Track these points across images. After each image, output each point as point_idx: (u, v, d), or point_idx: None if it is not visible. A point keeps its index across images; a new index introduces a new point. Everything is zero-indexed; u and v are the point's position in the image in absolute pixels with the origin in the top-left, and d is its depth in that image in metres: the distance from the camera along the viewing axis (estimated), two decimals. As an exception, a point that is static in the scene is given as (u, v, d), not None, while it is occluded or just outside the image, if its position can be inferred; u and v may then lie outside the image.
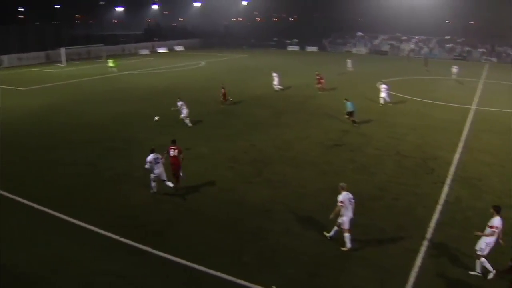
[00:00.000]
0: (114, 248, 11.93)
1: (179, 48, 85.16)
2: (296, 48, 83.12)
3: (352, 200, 11.85)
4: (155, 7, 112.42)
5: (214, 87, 36.14)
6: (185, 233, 12.77)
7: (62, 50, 60.34)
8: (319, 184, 16.25)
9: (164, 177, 14.98)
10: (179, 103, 24.33)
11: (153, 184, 15.05)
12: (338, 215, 11.71)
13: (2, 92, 35.73)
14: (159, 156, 14.89)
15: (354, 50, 77.42)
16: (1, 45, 57.59)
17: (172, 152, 15.19)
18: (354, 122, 23.91)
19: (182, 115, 24.15)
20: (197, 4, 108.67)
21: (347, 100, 24.43)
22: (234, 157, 19.10)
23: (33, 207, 14.29)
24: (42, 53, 62.72)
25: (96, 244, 12.17)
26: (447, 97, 32.64)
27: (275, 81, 34.73)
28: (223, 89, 29.67)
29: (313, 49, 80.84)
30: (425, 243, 12.22)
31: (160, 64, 55.61)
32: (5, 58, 57.50)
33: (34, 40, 62.58)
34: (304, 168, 17.77)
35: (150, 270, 11.00)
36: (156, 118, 23.91)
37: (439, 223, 13.34)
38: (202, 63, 51.36)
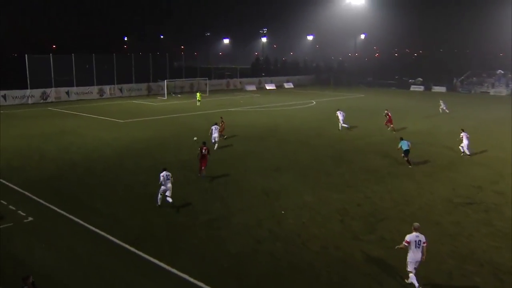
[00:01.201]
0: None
1: (288, 85, 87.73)
2: (420, 88, 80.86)
3: (421, 243, 12.74)
4: (264, 39, 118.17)
5: (325, 128, 36.64)
6: (283, 290, 12.85)
7: (164, 83, 65.84)
8: (443, 247, 15.41)
9: (168, 193, 18.76)
10: (213, 127, 29.68)
11: (159, 196, 18.85)
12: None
13: (101, 124, 39.90)
14: (170, 174, 18.98)
15: (492, 92, 73.06)
16: (104, 75, 64.76)
17: (204, 151, 22.83)
18: (408, 163, 25.44)
19: (213, 139, 29.16)
20: (310, 37, 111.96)
21: (402, 139, 26.20)
22: (343, 209, 18.92)
23: (123, 248, 15.41)
24: (143, 85, 69.10)
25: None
26: None
27: (340, 119, 37.19)
28: (222, 122, 32.35)
29: (441, 89, 77.87)
30: None
31: (266, 102, 57.77)
32: (106, 88, 64.42)
33: (136, 70, 69.09)
34: (425, 228, 17.00)
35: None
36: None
37: None
38: (313, 102, 52.35)
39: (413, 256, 12.82)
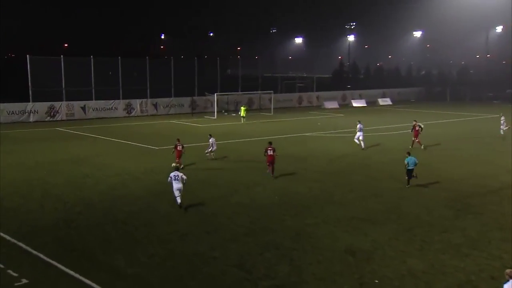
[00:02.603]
0: None
1: (384, 101, 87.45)
2: None
3: None
4: (351, 38, 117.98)
5: (437, 163, 35.86)
6: None
7: (214, 97, 67.04)
8: None
9: (177, 194, 25.53)
10: (211, 140, 37.66)
11: (178, 199, 25.66)
12: None
13: (128, 151, 40.93)
14: (179, 174, 25.65)
15: None
16: (134, 85, 66.56)
17: (270, 151, 32.46)
18: (409, 180, 30.29)
19: (208, 150, 37.49)
20: (417, 34, 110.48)
21: (409, 154, 30.75)
22: (468, 283, 18.06)
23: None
24: (186, 100, 70.94)
25: None
26: None
27: (357, 134, 43.39)
28: (178, 144, 35.20)
29: None
30: None
31: (353, 124, 57.06)
32: (136, 103, 66.33)
33: (177, 80, 70.91)
34: None
35: None
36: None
37: None
38: (421, 125, 51.72)
39: None
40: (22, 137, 48.41)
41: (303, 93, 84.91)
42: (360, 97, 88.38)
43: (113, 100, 64.90)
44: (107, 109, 64.39)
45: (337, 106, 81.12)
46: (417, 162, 30.30)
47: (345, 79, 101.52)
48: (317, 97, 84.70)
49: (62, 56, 62.36)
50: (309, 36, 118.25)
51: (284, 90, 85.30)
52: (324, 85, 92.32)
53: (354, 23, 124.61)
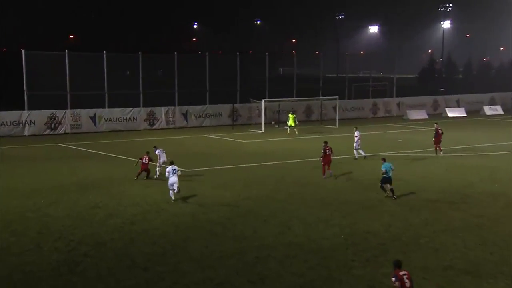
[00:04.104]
0: None
1: (493, 110, 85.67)
2: None
3: None
4: (445, 24, 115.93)
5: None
6: None
7: (261, 105, 67.13)
8: None
9: (173, 187, 33.03)
10: (157, 151, 39.87)
11: (171, 192, 33.39)
12: None
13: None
14: (176, 168, 33.28)
15: None
16: (158, 88, 66.96)
17: (328, 151, 39.19)
18: (383, 191, 34.04)
19: (159, 164, 39.68)
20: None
21: (384, 160, 34.90)
22: None
23: None
24: (224, 108, 71.29)
25: None
26: None
27: (355, 143, 47.88)
28: (145, 157, 39.12)
29: None
30: None
31: (448, 142, 56.64)
32: (160, 112, 66.86)
33: (213, 82, 71.39)
34: None
35: None
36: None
37: None
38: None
39: None
40: (15, 155, 49.07)
41: (379, 99, 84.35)
42: (458, 104, 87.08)
43: (131, 108, 65.49)
44: (124, 119, 65.04)
45: (426, 117, 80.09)
46: (393, 168, 34.24)
47: (437, 80, 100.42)
48: (398, 105, 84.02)
49: (66, 51, 62.92)
50: (388, 23, 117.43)
51: (353, 96, 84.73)
52: (407, 89, 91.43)
53: (450, 5, 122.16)
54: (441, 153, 49.09)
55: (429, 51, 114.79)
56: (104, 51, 63.86)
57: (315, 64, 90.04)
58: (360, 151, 48.02)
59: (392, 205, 33.65)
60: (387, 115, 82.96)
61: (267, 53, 78.01)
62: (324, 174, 39.72)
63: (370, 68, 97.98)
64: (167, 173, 33.36)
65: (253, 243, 26.43)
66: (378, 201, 34.35)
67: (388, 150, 52.22)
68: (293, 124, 62.61)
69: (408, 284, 19.69)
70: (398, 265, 19.86)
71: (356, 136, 47.92)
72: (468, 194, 36.59)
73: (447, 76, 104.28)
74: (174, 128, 67.05)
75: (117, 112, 64.63)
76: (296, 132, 61.72)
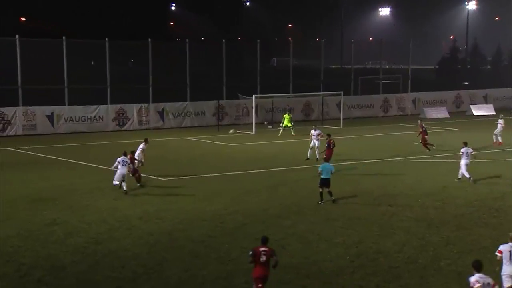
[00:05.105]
0: None
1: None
2: None
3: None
4: (470, 5, 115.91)
5: None
6: None
7: (252, 101, 67.13)
8: None
9: (124, 178, 37.93)
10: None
11: (116, 182, 38.44)
12: None
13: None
14: (127, 160, 38.07)
15: None
16: (126, 82, 66.81)
17: (332, 145, 44.67)
18: (322, 195, 36.27)
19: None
20: None
21: (325, 160, 38.47)
22: None
23: None
24: (208, 105, 71.49)
25: None
26: None
27: (312, 140, 49.75)
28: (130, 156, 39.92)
29: None
30: None
31: (476, 143, 56.74)
32: (132, 109, 66.73)
33: (194, 75, 71.18)
34: None
35: None
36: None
37: None
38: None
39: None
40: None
41: (391, 95, 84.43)
42: (485, 100, 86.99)
43: (96, 106, 65.38)
44: (88, 119, 64.91)
45: (447, 115, 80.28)
46: (333, 171, 36.58)
47: (460, 72, 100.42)
48: (414, 101, 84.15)
49: (17, 36, 62.86)
50: (401, 5, 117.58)
51: (360, 91, 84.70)
52: (425, 83, 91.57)
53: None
54: (428, 150, 53.47)
55: (451, 37, 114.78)
56: (64, 37, 63.69)
57: (315, 53, 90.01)
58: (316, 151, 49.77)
59: (407, 220, 33.62)
60: (401, 113, 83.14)
61: (258, 41, 77.81)
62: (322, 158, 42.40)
63: (380, 58, 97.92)
64: (116, 163, 37.66)
65: (242, 265, 26.04)
66: (390, 215, 34.39)
67: (402, 155, 52.35)
68: (289, 125, 63.06)
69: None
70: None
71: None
72: (498, 207, 36.50)
73: (472, 67, 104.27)
74: (148, 129, 67.01)
75: (79, 110, 64.49)
76: (293, 133, 61.82)
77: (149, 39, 68.24)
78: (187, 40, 73.15)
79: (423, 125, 55.08)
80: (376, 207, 35.92)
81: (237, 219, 33.66)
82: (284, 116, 64.43)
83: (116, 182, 38.43)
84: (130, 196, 38.06)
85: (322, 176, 36.08)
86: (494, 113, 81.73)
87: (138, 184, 40.09)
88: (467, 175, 42.11)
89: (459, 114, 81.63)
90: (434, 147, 53.65)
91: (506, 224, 33.17)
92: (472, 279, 19.14)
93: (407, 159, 50.84)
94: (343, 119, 71.76)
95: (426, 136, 54.08)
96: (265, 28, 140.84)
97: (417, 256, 28.19)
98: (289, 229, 31.66)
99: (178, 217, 33.56)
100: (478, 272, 19.31)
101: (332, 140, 45.31)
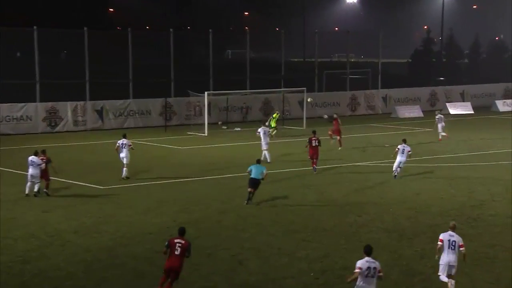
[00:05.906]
0: None
1: (507, 105, 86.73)
2: None
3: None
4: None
5: None
6: None
7: (204, 99, 67.44)
8: None
9: (36, 180, 39.29)
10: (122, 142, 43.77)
11: (30, 184, 39.53)
12: None
13: (52, 195, 41.05)
14: (35, 160, 39.23)
15: None
16: (57, 73, 66.91)
17: (314, 142, 47.17)
18: (249, 199, 38.27)
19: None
20: None
21: (258, 162, 40.61)
22: None
23: None
24: (154, 103, 71.67)
25: None
26: None
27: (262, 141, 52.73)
28: (42, 157, 40.32)
29: None
30: None
31: (450, 148, 57.52)
32: (66, 108, 66.69)
33: (138, 69, 71.35)
34: None
35: None
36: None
37: None
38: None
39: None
40: None
41: (359, 92, 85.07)
42: (463, 98, 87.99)
43: (24, 104, 65.17)
44: (14, 118, 64.70)
45: (421, 114, 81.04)
46: (264, 173, 38.83)
47: (435, 67, 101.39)
48: (385, 98, 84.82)
49: None
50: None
51: (325, 87, 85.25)
52: (396, 78, 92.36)
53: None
54: (340, 148, 57.44)
55: (424, 27, 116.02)
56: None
57: (274, 45, 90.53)
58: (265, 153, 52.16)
59: (376, 231, 34.02)
60: (370, 112, 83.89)
61: (210, 30, 77.94)
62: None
63: (347, 50, 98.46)
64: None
65: (193, 284, 26.46)
66: (358, 226, 34.80)
67: (368, 159, 52.84)
68: (273, 125, 63.12)
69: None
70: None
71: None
72: (476, 217, 37.06)
73: (448, 61, 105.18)
74: (85, 130, 67.01)
75: (4, 108, 64.25)
76: (272, 135, 61.31)
77: (85, 28, 68.28)
78: (129, 28, 73.02)
79: (338, 118, 59.13)
80: (342, 217, 36.27)
81: (188, 232, 33.60)
82: (274, 115, 64.82)
83: (27, 191, 39.74)
84: (63, 208, 38.00)
85: (251, 176, 38.20)
86: (472, 112, 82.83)
87: (44, 190, 40.19)
88: (396, 172, 46.05)
89: (433, 112, 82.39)
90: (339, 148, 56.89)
91: (485, 235, 33.77)
92: (358, 263, 21.67)
93: (376, 163, 51.34)
94: (307, 118, 72.17)
95: (337, 131, 58.13)
96: (219, 15, 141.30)
97: (388, 272, 28.47)
98: (246, 242, 31.92)
99: (120, 231, 33.58)
100: (368, 256, 21.91)
101: (315, 138, 47.35)
